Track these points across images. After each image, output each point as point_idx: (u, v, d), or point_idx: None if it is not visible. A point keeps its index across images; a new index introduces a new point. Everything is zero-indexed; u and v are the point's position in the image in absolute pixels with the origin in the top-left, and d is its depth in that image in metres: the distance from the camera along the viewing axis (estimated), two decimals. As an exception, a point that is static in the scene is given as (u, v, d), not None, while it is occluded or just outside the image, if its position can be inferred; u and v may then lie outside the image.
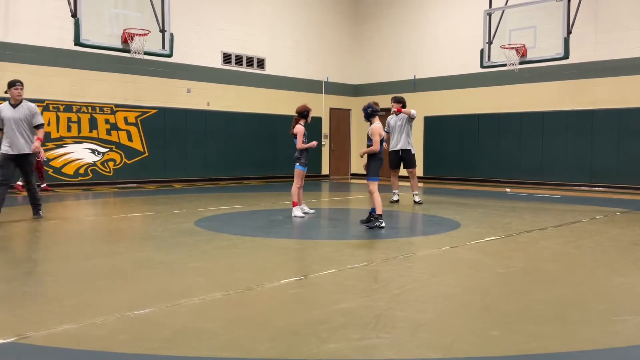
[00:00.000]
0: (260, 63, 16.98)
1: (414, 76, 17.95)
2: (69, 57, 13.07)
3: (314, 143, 8.37)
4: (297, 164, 8.36)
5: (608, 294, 4.13)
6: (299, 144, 8.26)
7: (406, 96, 18.55)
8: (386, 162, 10.04)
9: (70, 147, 13.29)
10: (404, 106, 10.40)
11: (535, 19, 12.88)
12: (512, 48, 13.00)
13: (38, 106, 12.93)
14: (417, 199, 10.39)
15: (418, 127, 17.89)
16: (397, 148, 10.44)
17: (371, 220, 7.23)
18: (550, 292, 4.10)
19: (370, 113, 7.39)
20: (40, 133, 7.97)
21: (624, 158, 13.75)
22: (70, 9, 10.74)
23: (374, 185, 7.25)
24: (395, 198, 10.55)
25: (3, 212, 7.86)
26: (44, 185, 12.31)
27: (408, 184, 11.25)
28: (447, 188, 14.52)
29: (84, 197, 11.49)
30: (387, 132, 10.54)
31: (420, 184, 16.30)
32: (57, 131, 13.08)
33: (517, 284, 4.40)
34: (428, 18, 17.68)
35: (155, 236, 6.55)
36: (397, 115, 10.40)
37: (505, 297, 4.01)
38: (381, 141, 7.29)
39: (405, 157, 10.45)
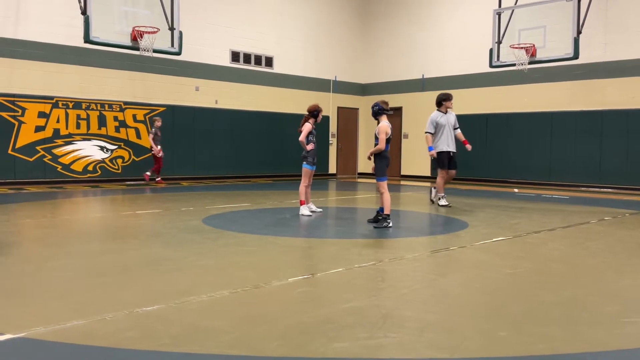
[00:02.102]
0: (269, 61, 17.00)
1: (423, 75, 17.91)
2: (78, 55, 13.13)
3: (310, 146, 8.29)
4: (305, 162, 8.36)
5: (617, 295, 4.10)
6: (301, 136, 8.27)
7: (415, 96, 18.53)
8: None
9: (79, 144, 13.36)
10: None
11: (544, 19, 12.82)
12: (522, 48, 12.95)
13: (47, 103, 13.16)
14: (442, 201, 9.83)
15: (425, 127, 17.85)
16: (449, 149, 9.76)
17: (379, 219, 7.22)
18: (558, 293, 4.08)
19: (376, 112, 7.36)
20: None
21: (633, 159, 13.67)
22: (80, 6, 10.79)
23: (383, 186, 7.23)
24: (443, 202, 9.71)
25: (14, 209, 7.91)
26: (159, 179, 13.91)
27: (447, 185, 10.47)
28: (455, 188, 14.47)
29: (92, 194, 11.54)
30: (431, 133, 9.76)
31: (428, 184, 16.28)
32: (66, 128, 13.15)
33: (525, 285, 4.38)
34: (437, 17, 17.63)
35: (163, 233, 6.57)
36: (454, 128, 9.81)
37: (513, 297, 4.00)
38: (388, 140, 7.25)
39: (454, 159, 9.86)
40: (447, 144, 9.78)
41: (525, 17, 13.11)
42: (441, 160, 9.82)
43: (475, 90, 16.59)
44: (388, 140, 7.23)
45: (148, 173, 13.84)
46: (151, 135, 13.68)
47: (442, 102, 9.91)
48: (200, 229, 6.82)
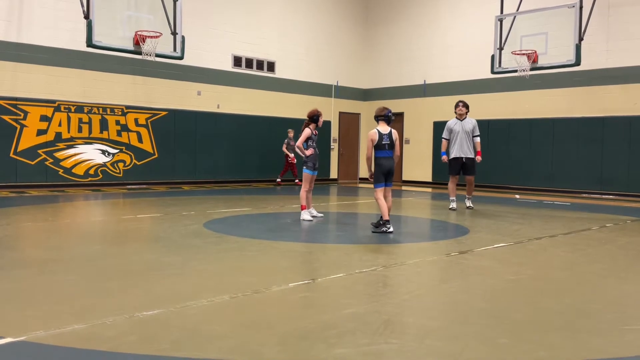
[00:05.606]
0: (271, 66, 17.03)
1: (424, 81, 17.93)
2: (81, 59, 13.16)
3: (310, 151, 8.29)
4: (305, 167, 8.37)
5: (618, 303, 4.10)
6: (298, 142, 8.29)
7: (416, 101, 18.53)
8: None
9: (81, 148, 13.38)
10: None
11: (546, 25, 12.80)
12: (523, 54, 12.95)
13: (50, 107, 13.19)
14: (468, 203, 10.30)
15: (427, 132, 17.88)
16: (460, 155, 10.08)
17: (380, 224, 7.22)
18: (559, 301, 4.07)
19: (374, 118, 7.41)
20: None
21: (635, 166, 13.65)
22: (83, 11, 10.83)
23: (375, 192, 7.22)
24: (453, 206, 10.19)
25: (15, 212, 7.92)
26: (297, 180, 15.76)
27: (464, 192, 10.74)
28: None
29: (93, 197, 11.55)
30: (446, 139, 10.19)
31: (429, 190, 16.28)
32: (68, 132, 13.17)
33: (526, 292, 4.37)
34: (439, 23, 17.66)
35: (164, 238, 6.57)
36: (466, 132, 10.02)
37: (514, 304, 3.99)
38: (382, 146, 7.17)
39: (468, 165, 10.12)
40: (460, 151, 10.11)
41: (527, 23, 13.10)
42: (452, 166, 10.25)
43: (477, 96, 16.54)
44: (382, 147, 7.18)
45: (297, 180, 15.75)
46: (285, 145, 15.76)
47: (455, 109, 10.36)
48: (201, 234, 6.82)
